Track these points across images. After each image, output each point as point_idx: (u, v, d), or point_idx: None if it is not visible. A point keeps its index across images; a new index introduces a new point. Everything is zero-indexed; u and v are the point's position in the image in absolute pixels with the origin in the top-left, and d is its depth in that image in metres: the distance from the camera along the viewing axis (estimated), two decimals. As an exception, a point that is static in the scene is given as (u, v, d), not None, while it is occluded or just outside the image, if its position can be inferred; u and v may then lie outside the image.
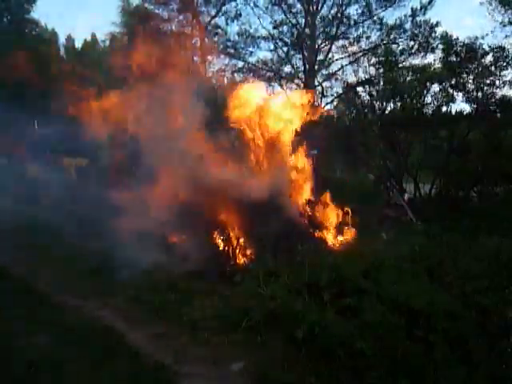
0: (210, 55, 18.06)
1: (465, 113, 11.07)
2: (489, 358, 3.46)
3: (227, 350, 3.55)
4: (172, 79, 6.21)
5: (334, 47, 17.11)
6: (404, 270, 4.66)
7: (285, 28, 17.23)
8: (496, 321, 3.86)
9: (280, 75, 17.73)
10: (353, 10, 16.46)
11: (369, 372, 3.14)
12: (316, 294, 4.06)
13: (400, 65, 14.04)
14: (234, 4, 17.62)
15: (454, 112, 11.50)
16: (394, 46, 15.55)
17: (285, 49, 17.59)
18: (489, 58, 10.09)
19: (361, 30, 16.44)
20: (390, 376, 3.12)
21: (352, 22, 16.33)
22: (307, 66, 16.93)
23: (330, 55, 17.25)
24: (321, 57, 17.23)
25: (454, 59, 10.37)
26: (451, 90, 10.55)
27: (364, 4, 15.99)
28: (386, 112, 11.66)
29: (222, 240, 5.98)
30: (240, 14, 17.50)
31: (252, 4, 17.21)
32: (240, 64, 17.98)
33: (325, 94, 17.28)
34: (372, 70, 12.93)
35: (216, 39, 18.22)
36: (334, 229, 6.79)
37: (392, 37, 16.03)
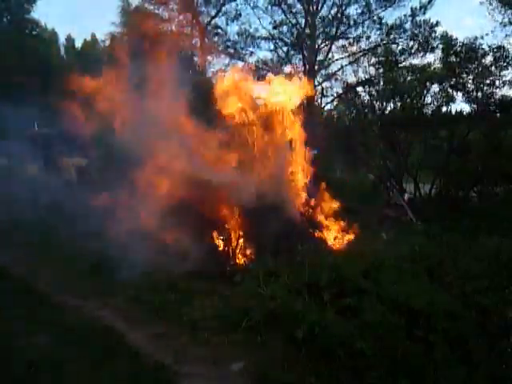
0: (210, 55, 18.06)
1: (465, 113, 11.11)
2: (489, 358, 3.46)
3: (227, 350, 3.55)
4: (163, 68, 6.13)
5: (333, 47, 17.12)
6: (404, 270, 4.66)
7: (285, 28, 17.26)
8: (496, 321, 3.86)
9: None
10: (353, 10, 16.48)
11: (369, 372, 3.14)
12: (316, 293, 4.06)
13: (400, 65, 14.06)
14: (233, 4, 17.64)
15: (453, 112, 11.54)
16: (394, 46, 15.57)
17: (285, 49, 17.61)
18: (489, 58, 10.12)
19: (361, 29, 16.44)
20: (390, 376, 3.12)
21: (352, 22, 16.32)
22: (307, 66, 16.93)
23: (329, 55, 17.26)
24: (321, 57, 17.24)
25: (454, 59, 10.38)
26: (451, 90, 10.57)
27: (364, 4, 16.00)
28: (386, 112, 11.68)
29: (222, 240, 5.98)
30: (240, 14, 17.51)
31: (252, 4, 17.23)
32: (240, 64, 17.98)
33: (325, 94, 17.29)
34: (372, 70, 12.96)
35: (216, 39, 18.24)
36: (334, 229, 6.79)
37: (392, 37, 16.02)
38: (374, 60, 13.48)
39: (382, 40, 16.17)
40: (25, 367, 3.22)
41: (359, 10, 16.21)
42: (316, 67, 17.13)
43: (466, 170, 10.27)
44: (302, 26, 16.96)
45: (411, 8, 15.65)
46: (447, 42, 10.88)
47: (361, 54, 16.11)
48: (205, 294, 4.64)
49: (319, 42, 17.03)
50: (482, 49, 10.14)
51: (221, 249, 5.93)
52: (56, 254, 6.24)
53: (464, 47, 10.24)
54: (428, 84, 10.77)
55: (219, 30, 18.10)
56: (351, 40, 16.62)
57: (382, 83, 11.73)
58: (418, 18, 15.55)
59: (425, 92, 10.91)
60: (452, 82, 10.34)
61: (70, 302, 4.62)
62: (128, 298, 4.66)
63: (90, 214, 6.48)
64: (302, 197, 6.86)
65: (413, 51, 15.42)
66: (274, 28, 17.20)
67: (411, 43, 15.56)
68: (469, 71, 10.17)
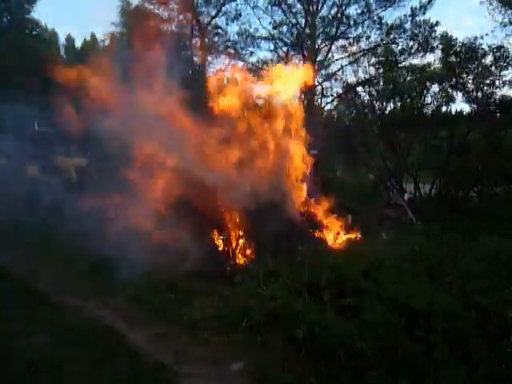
0: (210, 55, 18.06)
1: (465, 113, 11.12)
2: (489, 358, 3.46)
3: (227, 350, 3.55)
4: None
5: (333, 47, 17.11)
6: (404, 270, 4.66)
7: (285, 28, 17.25)
8: (496, 321, 3.86)
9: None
10: (352, 10, 16.47)
11: (369, 372, 3.13)
12: (316, 293, 4.06)
13: (400, 65, 14.06)
14: (233, 4, 17.63)
15: (453, 112, 11.55)
16: (394, 46, 15.55)
17: (285, 49, 17.59)
18: (489, 58, 10.12)
19: (360, 29, 16.42)
20: (390, 376, 3.12)
21: (352, 22, 16.30)
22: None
23: (329, 55, 17.25)
24: (321, 57, 17.24)
25: (454, 59, 10.39)
26: (451, 90, 10.57)
27: (364, 4, 16.00)
28: (386, 112, 11.69)
29: (222, 240, 5.98)
30: (240, 15, 17.51)
31: (252, 4, 17.23)
32: (240, 64, 17.98)
33: (325, 94, 17.28)
34: (372, 70, 12.97)
35: (216, 39, 18.24)
36: (334, 229, 6.79)
37: (392, 37, 15.99)
38: (374, 60, 13.50)
39: (381, 40, 16.16)
40: (25, 367, 3.21)
41: (359, 10, 16.21)
42: (316, 67, 17.13)
43: (466, 170, 10.28)
44: (302, 25, 16.96)
45: (411, 8, 15.63)
46: (447, 41, 10.89)
47: (361, 54, 16.10)
48: (205, 294, 4.64)
49: (319, 41, 17.03)
50: (482, 49, 10.16)
51: (221, 249, 5.93)
52: (56, 254, 6.24)
53: (464, 47, 10.25)
54: (428, 84, 10.78)
55: (219, 30, 18.11)
56: (351, 40, 16.61)
57: (382, 83, 11.74)
58: (417, 18, 15.52)
59: (425, 92, 10.92)
60: (452, 82, 10.34)
61: (70, 302, 4.62)
62: (128, 298, 4.66)
63: (89, 213, 6.48)
64: (301, 196, 6.86)
65: (413, 51, 15.40)
66: (274, 28, 17.20)
67: (411, 43, 15.54)
68: (469, 71, 10.18)
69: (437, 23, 15.11)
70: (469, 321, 3.78)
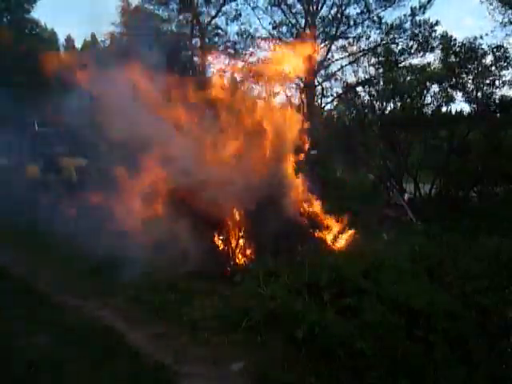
0: (210, 55, 18.07)
1: (465, 113, 11.11)
2: (489, 358, 3.46)
3: (227, 350, 3.55)
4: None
5: (333, 47, 17.15)
6: (404, 270, 4.66)
7: (284, 28, 17.29)
8: (496, 321, 3.86)
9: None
10: (352, 10, 16.50)
11: (369, 372, 3.13)
12: (316, 293, 4.06)
13: (400, 65, 14.07)
14: (233, 4, 17.68)
15: (453, 112, 11.54)
16: (394, 46, 15.58)
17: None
18: (489, 58, 10.12)
19: (360, 29, 16.48)
20: (390, 376, 3.12)
21: (352, 22, 16.36)
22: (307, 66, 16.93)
23: (329, 55, 17.28)
24: (320, 57, 17.25)
25: (454, 59, 10.38)
26: (451, 90, 10.56)
27: (363, 4, 16.02)
28: (386, 112, 11.67)
29: (222, 240, 5.98)
30: (240, 14, 17.56)
31: (252, 4, 17.27)
32: (240, 64, 17.99)
33: (325, 94, 17.30)
34: (372, 70, 12.96)
35: (216, 39, 18.26)
36: (334, 229, 6.78)
37: (392, 36, 16.04)
38: (373, 60, 13.48)
39: (381, 40, 16.20)
40: (25, 367, 3.22)
41: (359, 10, 16.26)
42: (316, 67, 17.13)
43: (466, 170, 10.27)
44: (302, 25, 16.98)
45: (411, 8, 15.69)
46: (447, 41, 10.89)
47: (361, 54, 16.13)
48: (205, 294, 4.64)
49: (319, 42, 17.05)
50: (482, 49, 10.15)
51: (221, 249, 5.93)
52: (56, 254, 6.24)
53: (464, 47, 10.25)
54: (428, 84, 10.77)
55: (219, 30, 18.14)
56: (351, 40, 16.66)
57: (381, 83, 11.73)
58: (417, 18, 15.59)
59: (425, 92, 10.90)
60: (452, 82, 10.33)
61: (70, 302, 4.62)
62: (128, 298, 4.66)
63: (89, 213, 6.48)
64: (301, 196, 6.85)
65: (412, 51, 15.44)
66: (274, 28, 17.23)
67: (411, 43, 15.59)
68: (468, 71, 10.17)
69: (437, 23, 15.17)
70: (469, 321, 3.78)
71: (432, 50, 14.93)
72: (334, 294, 4.01)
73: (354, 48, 16.64)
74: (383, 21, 15.99)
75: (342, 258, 5.06)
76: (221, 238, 5.99)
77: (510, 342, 3.66)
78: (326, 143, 12.52)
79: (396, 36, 16.01)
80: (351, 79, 14.60)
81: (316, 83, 17.30)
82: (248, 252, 5.87)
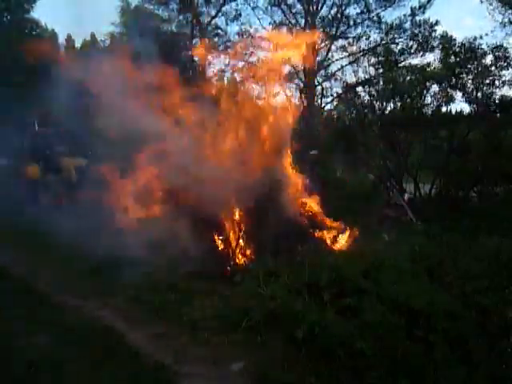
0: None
1: (465, 113, 11.09)
2: (489, 358, 3.46)
3: (227, 350, 3.55)
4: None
5: (333, 47, 17.15)
6: (404, 270, 4.66)
7: (284, 28, 17.28)
8: (496, 321, 3.86)
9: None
10: (352, 10, 16.52)
11: (369, 372, 3.13)
12: (316, 293, 4.06)
13: (400, 65, 14.06)
14: (233, 4, 17.71)
15: (453, 112, 11.52)
16: (394, 46, 15.59)
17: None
18: (489, 58, 10.11)
19: (360, 29, 16.50)
20: (390, 376, 3.12)
21: (351, 22, 16.38)
22: (307, 66, 16.93)
23: (329, 55, 17.29)
24: (320, 57, 17.26)
25: (454, 59, 10.37)
26: (451, 90, 10.55)
27: (363, 4, 16.03)
28: (386, 112, 11.66)
29: (222, 240, 5.98)
30: (240, 14, 17.58)
31: (252, 4, 17.29)
32: (240, 64, 17.98)
33: (325, 94, 17.30)
34: (372, 70, 12.93)
35: (216, 39, 18.27)
36: (334, 229, 6.78)
37: (391, 36, 16.06)
38: (373, 60, 13.46)
39: (381, 40, 16.21)
40: (25, 367, 3.21)
41: (359, 10, 16.27)
42: (316, 67, 17.14)
43: (466, 170, 10.25)
44: (302, 25, 16.98)
45: (411, 8, 15.70)
46: (447, 41, 10.88)
47: (361, 54, 16.13)
48: (205, 294, 4.63)
49: (319, 42, 17.05)
50: (482, 49, 10.14)
51: (221, 249, 5.93)
52: (56, 254, 6.24)
53: (463, 47, 10.23)
54: (428, 84, 10.76)
55: (219, 30, 18.15)
56: (351, 40, 16.68)
57: (381, 83, 11.71)
58: (417, 18, 15.61)
59: (425, 92, 10.89)
60: (452, 82, 10.32)
61: (70, 302, 4.62)
62: (128, 298, 4.65)
63: (90, 213, 6.48)
64: (301, 196, 6.85)
65: (412, 51, 15.45)
66: (274, 28, 17.23)
67: (411, 43, 15.60)
68: (468, 71, 10.16)
69: (436, 23, 15.18)
70: (469, 321, 3.77)
71: (432, 49, 14.93)
72: (334, 294, 4.00)
73: (354, 48, 16.67)
74: (383, 21, 16.03)
75: (342, 258, 5.06)
76: (221, 238, 5.99)
77: (510, 341, 3.65)
78: (326, 143, 12.52)
79: (396, 36, 16.04)
80: (351, 79, 14.60)
81: (316, 83, 17.31)
82: (248, 252, 5.87)
